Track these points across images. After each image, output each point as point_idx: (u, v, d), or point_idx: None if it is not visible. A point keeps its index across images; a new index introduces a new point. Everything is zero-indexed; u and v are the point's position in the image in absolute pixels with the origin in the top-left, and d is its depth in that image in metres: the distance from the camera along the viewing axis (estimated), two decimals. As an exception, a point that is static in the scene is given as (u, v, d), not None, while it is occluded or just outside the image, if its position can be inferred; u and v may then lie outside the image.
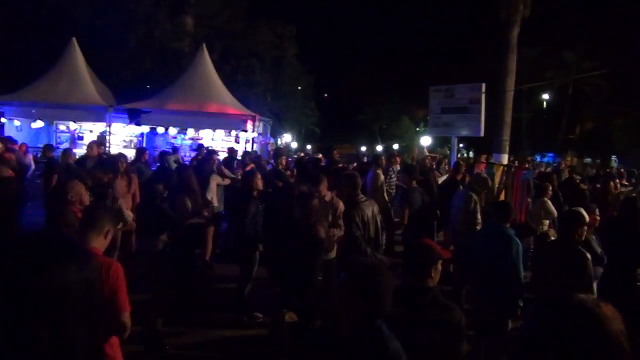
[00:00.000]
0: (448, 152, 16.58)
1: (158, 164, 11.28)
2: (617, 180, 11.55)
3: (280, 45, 31.08)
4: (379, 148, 47.18)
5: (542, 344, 1.26)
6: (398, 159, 12.90)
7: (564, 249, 4.61)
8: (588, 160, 38.47)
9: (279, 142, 30.65)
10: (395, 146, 45.10)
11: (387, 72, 47.00)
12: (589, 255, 4.54)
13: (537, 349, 1.27)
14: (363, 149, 45.99)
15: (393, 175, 11.41)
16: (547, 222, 8.02)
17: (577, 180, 12.47)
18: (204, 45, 18.23)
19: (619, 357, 1.25)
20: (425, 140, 32.58)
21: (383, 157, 11.39)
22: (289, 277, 5.09)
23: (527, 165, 12.63)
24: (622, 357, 1.25)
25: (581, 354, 1.23)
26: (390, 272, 2.29)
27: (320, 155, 18.02)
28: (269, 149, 20.95)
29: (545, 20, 26.33)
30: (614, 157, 37.15)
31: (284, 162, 13.25)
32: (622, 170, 16.40)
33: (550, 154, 37.15)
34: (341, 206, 6.23)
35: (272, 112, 27.48)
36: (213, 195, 8.97)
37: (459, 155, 34.29)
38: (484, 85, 13.93)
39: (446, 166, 18.47)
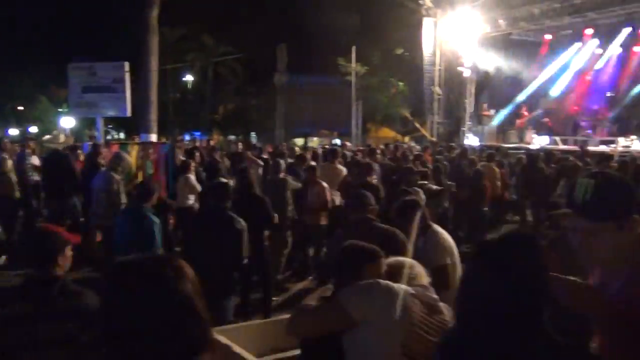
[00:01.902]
0: (96, 134, 15.81)
1: None
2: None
3: None
4: (15, 132, 41.54)
5: (114, 307, 1.27)
6: (33, 144, 11.81)
7: (216, 217, 5.02)
8: (232, 137, 42.24)
9: None
10: (34, 129, 40.42)
11: (18, 46, 41.11)
12: (242, 221, 5.03)
13: (108, 315, 1.28)
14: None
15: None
16: (192, 197, 8.45)
17: (222, 156, 13.42)
18: None
19: (189, 315, 1.28)
20: (68, 122, 30.02)
21: (6, 142, 10.31)
22: None
23: (164, 140, 13.10)
24: (194, 315, 1.29)
25: (139, 315, 1.25)
26: None
27: None
28: None
29: (185, 4, 27.38)
30: (253, 134, 41.78)
31: None
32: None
33: (198, 133, 39.20)
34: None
35: None
36: None
37: (109, 137, 33.04)
38: (127, 64, 13.69)
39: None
